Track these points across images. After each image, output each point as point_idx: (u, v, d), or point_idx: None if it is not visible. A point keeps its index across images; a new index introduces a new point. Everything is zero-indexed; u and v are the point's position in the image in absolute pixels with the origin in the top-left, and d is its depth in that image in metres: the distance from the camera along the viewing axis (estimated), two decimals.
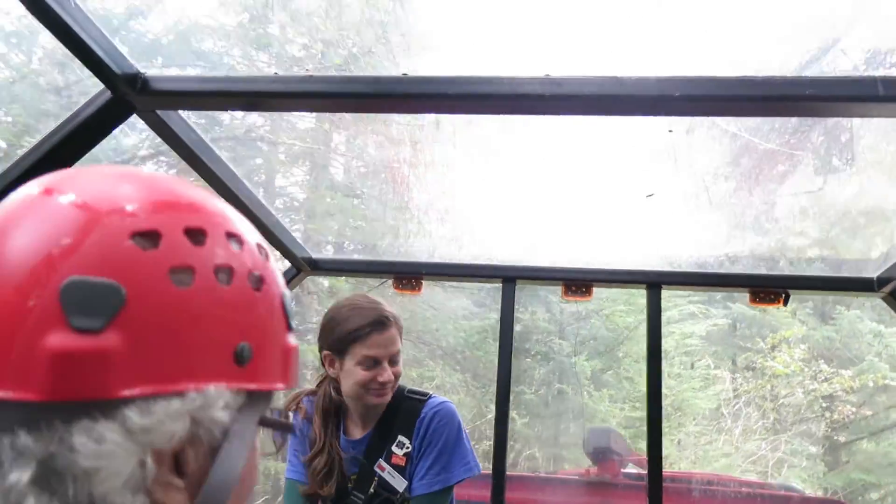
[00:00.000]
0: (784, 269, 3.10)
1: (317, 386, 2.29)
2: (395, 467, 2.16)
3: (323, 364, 2.17)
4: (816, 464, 11.69)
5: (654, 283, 3.06)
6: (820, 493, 9.47)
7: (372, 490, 2.16)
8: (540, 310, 11.22)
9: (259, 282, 0.69)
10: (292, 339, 0.74)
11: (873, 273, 2.98)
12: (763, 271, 3.07)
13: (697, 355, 12.34)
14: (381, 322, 2.09)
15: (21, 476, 0.56)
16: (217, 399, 0.63)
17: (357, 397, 2.13)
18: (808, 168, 3.77)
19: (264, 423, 0.71)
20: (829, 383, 11.61)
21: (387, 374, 2.09)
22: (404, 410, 2.22)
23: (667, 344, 9.63)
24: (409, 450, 2.18)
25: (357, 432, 2.24)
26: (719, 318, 12.47)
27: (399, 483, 2.16)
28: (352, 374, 2.09)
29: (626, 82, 1.57)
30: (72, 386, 0.56)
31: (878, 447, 11.37)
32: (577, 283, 3.07)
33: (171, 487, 0.62)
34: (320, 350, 2.17)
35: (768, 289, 3.01)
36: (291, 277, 3.05)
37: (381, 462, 2.18)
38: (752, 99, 1.57)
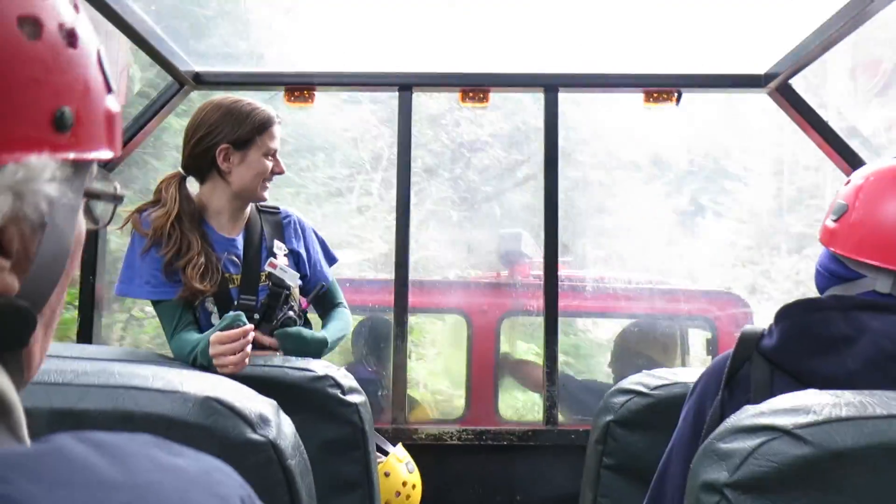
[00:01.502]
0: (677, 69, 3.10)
1: (158, 195, 2.23)
2: (285, 264, 2.28)
3: (217, 158, 2.16)
4: None
5: (550, 86, 3.04)
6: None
7: (264, 288, 2.22)
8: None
9: (72, 36, 0.61)
10: (114, 103, 0.66)
11: (761, 70, 3.04)
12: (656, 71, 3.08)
13: None
14: (276, 117, 2.24)
15: None
16: (41, 170, 0.57)
17: (251, 191, 2.21)
18: None
19: (90, 194, 0.66)
20: None
21: (281, 165, 2.25)
22: (265, 218, 2.36)
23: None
24: (288, 252, 2.34)
25: (231, 229, 2.27)
26: None
27: (292, 277, 2.24)
28: (255, 165, 2.18)
29: None
30: None
31: None
32: (475, 88, 3.03)
33: None
34: (211, 145, 2.16)
35: (661, 88, 3.04)
36: (174, 94, 2.88)
37: (272, 260, 2.25)
38: None
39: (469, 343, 4.02)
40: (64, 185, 0.60)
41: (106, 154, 0.64)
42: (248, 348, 1.88)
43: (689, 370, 1.93)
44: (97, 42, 0.65)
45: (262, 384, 1.91)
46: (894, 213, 1.38)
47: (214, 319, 2.17)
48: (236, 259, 2.24)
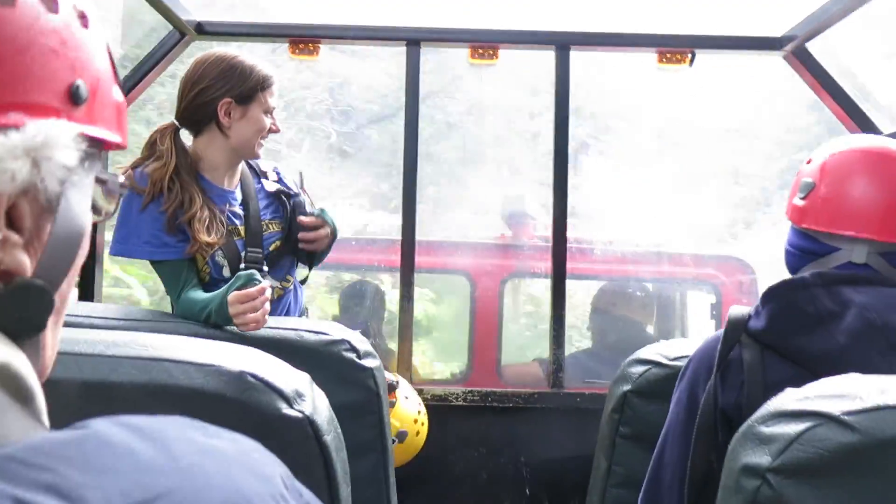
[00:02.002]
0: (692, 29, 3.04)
1: (152, 148, 2.17)
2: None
3: (218, 112, 2.13)
4: None
5: (562, 44, 2.98)
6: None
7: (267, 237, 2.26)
8: None
9: (84, 18, 0.62)
10: (120, 95, 0.68)
11: (778, 32, 2.99)
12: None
13: None
14: (272, 75, 2.22)
15: None
16: (59, 137, 0.56)
17: (248, 147, 2.21)
18: None
19: (98, 179, 0.65)
20: None
21: (277, 124, 2.25)
22: (256, 170, 2.38)
23: None
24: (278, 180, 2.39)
25: (229, 183, 2.27)
26: None
27: (292, 184, 2.37)
28: (256, 121, 2.18)
29: None
30: None
31: None
32: (484, 45, 2.96)
33: (9, 243, 0.55)
34: (212, 98, 2.13)
35: (674, 49, 2.99)
36: (174, 43, 2.80)
37: (265, 181, 2.35)
38: None
39: (472, 304, 4.01)
40: (78, 161, 0.59)
41: (115, 138, 0.65)
42: (267, 305, 1.87)
43: None
44: (105, 33, 0.66)
45: (278, 347, 1.89)
46: (863, 184, 1.43)
47: (226, 272, 2.14)
48: (238, 211, 2.24)
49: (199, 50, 3.03)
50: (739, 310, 1.51)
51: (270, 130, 2.21)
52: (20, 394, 0.55)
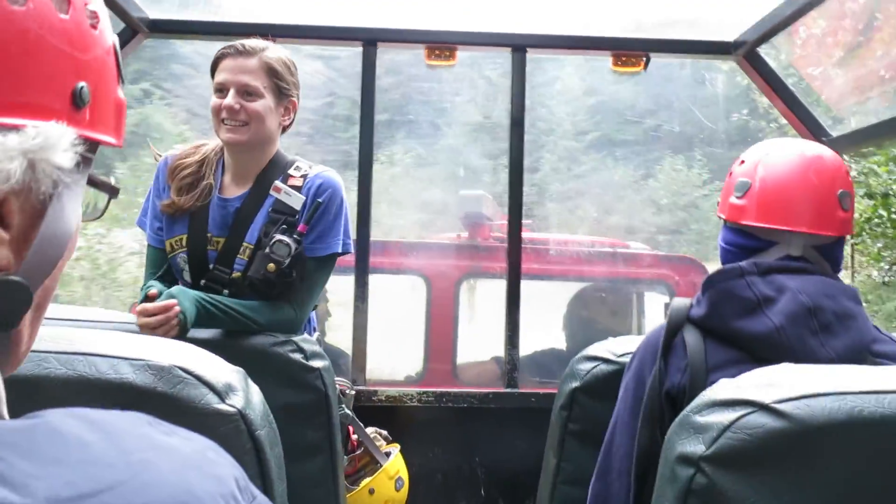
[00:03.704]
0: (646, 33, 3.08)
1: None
2: (293, 187, 2.08)
3: None
4: None
5: (518, 45, 2.99)
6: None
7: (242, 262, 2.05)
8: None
9: (95, 18, 0.62)
10: (122, 94, 0.67)
11: (730, 37, 3.03)
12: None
13: None
14: (236, 48, 2.01)
15: None
16: (59, 140, 0.56)
17: (217, 134, 2.07)
18: None
19: (92, 181, 0.65)
20: None
21: (232, 100, 1.99)
22: (286, 169, 2.13)
23: None
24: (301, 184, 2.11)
25: (233, 190, 2.13)
26: None
27: (297, 201, 2.05)
28: (211, 104, 2.05)
29: None
30: None
31: None
32: (441, 46, 2.96)
33: None
34: None
35: (629, 52, 3.01)
36: (127, 41, 2.76)
37: (277, 184, 2.07)
38: None
39: (428, 305, 4.00)
40: (74, 164, 0.59)
41: (112, 140, 0.64)
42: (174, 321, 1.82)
43: None
44: (113, 33, 0.66)
45: (222, 348, 1.86)
46: (797, 180, 1.52)
47: (186, 276, 2.11)
48: (226, 221, 2.09)
49: (151, 48, 2.99)
50: (681, 300, 1.59)
51: (223, 109, 2.00)
52: None
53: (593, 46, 3.06)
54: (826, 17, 2.89)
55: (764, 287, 1.44)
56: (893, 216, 7.92)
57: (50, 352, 0.97)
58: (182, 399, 0.97)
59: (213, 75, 2.07)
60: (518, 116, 2.99)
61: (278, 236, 1.98)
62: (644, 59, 3.03)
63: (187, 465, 0.52)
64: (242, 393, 1.02)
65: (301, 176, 2.10)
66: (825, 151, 1.59)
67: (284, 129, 2.16)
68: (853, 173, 8.24)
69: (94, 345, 0.99)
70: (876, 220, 8.00)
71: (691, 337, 1.50)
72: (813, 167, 1.53)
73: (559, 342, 4.07)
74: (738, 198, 1.58)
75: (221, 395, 0.98)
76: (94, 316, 1.98)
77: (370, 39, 2.93)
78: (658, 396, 1.49)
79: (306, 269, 2.06)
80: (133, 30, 2.75)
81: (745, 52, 2.96)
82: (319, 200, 2.05)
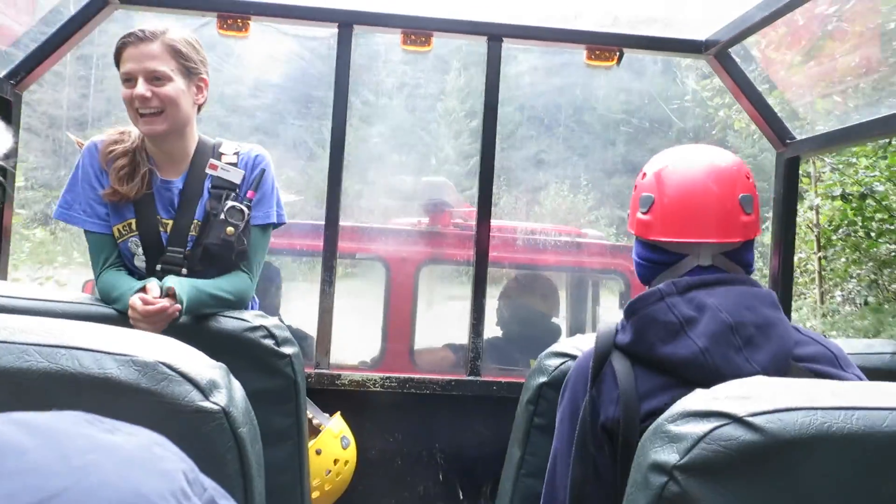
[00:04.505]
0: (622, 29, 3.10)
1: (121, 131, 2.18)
2: (229, 164, 2.13)
3: None
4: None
5: (494, 35, 2.98)
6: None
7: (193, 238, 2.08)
8: None
9: None
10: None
11: (703, 36, 3.07)
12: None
13: None
14: (136, 35, 1.99)
15: None
16: None
17: (136, 126, 2.06)
18: None
19: None
20: None
21: (143, 88, 1.98)
22: (216, 148, 2.18)
23: None
24: (237, 158, 2.16)
25: (170, 173, 2.14)
26: None
27: (236, 175, 2.12)
28: (123, 95, 2.03)
29: None
30: None
31: None
32: (417, 31, 2.94)
33: None
34: None
35: (603, 46, 3.03)
36: (97, 11, 2.69)
37: (212, 161, 2.11)
38: None
39: (387, 290, 4.01)
40: None
41: None
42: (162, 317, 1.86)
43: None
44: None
45: (194, 332, 1.85)
46: (698, 191, 1.53)
47: (138, 262, 2.09)
48: (172, 203, 2.11)
49: (119, 20, 2.92)
50: (606, 325, 1.58)
51: (135, 99, 1.98)
52: None
53: (568, 39, 3.07)
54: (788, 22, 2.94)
55: (684, 307, 1.44)
56: (871, 223, 6.97)
57: (31, 344, 0.95)
58: (166, 396, 0.96)
59: (117, 66, 2.04)
60: (492, 103, 2.99)
61: (230, 203, 2.06)
62: (617, 53, 3.05)
63: (133, 463, 0.51)
64: (226, 390, 1.02)
65: (234, 153, 2.16)
66: (723, 157, 1.59)
67: (199, 108, 2.17)
68: (826, 169, 7.56)
69: (78, 338, 0.98)
70: (847, 226, 7.19)
71: (620, 365, 1.49)
72: (712, 175, 1.54)
73: (504, 330, 4.15)
74: (643, 213, 1.59)
75: (205, 392, 0.98)
76: (48, 295, 1.94)
77: (346, 21, 2.90)
78: (591, 430, 1.48)
79: (251, 237, 2.12)
80: (103, 0, 2.68)
81: (716, 52, 3.00)
82: (263, 168, 2.14)
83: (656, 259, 1.59)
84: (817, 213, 7.66)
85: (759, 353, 1.39)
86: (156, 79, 1.99)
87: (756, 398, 1.02)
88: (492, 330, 4.01)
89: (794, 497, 0.97)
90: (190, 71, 2.05)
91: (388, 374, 2.88)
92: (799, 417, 0.99)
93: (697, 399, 1.07)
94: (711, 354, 1.38)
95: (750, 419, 0.99)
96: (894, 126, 2.36)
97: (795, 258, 3.43)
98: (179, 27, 2.10)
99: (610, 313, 4.69)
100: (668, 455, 1.02)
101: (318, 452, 2.30)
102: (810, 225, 7.87)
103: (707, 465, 0.99)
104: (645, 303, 1.48)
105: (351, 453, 2.43)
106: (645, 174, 1.63)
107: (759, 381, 1.10)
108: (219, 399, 0.99)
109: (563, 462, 1.56)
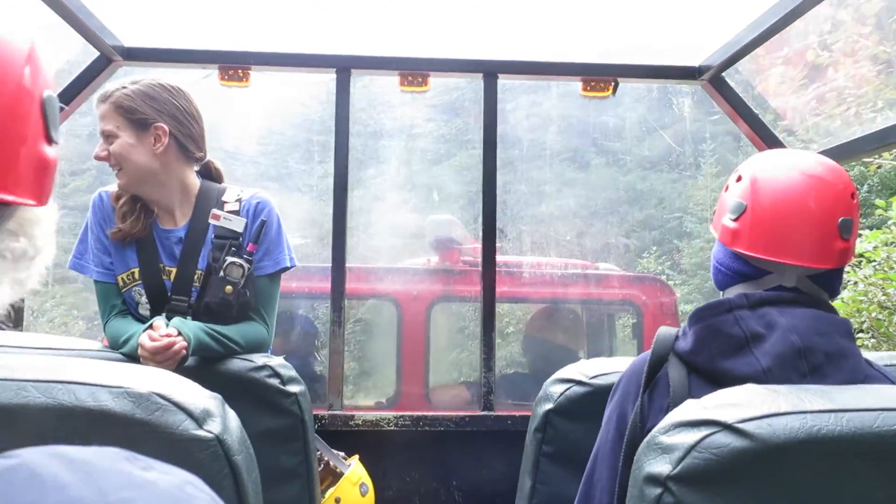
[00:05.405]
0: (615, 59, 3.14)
1: None
2: (230, 212, 2.13)
3: None
4: None
5: (490, 71, 3.04)
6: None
7: (198, 281, 2.09)
8: None
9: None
10: (52, 152, 0.65)
11: (696, 62, 3.11)
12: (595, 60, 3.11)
13: None
14: (99, 97, 2.06)
15: None
16: None
17: None
18: None
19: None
20: None
21: (98, 148, 2.05)
22: (220, 196, 2.18)
23: None
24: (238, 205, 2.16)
25: (168, 223, 2.16)
26: None
27: (238, 224, 2.12)
28: None
29: None
30: None
31: None
32: (414, 72, 3.00)
33: None
34: None
35: (598, 77, 3.08)
36: (101, 69, 2.77)
37: (215, 212, 2.12)
38: None
39: (399, 329, 4.03)
40: None
41: (29, 202, 0.63)
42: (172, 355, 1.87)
43: (628, 359, 1.97)
44: (46, 86, 0.64)
45: (200, 374, 1.87)
46: (796, 208, 1.41)
47: (142, 310, 2.12)
48: (174, 251, 2.14)
49: (127, 75, 3.00)
50: (667, 330, 1.50)
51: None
52: None
53: (563, 72, 3.12)
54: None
55: (753, 322, 1.36)
56: None
57: (29, 380, 0.98)
58: (160, 425, 0.98)
59: None
60: (490, 139, 3.04)
61: (230, 259, 2.05)
62: (612, 83, 3.09)
63: (166, 500, 0.52)
64: (220, 419, 1.03)
65: (236, 200, 2.16)
66: (828, 170, 1.44)
67: (193, 157, 2.15)
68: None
69: (73, 373, 1.00)
70: None
71: (675, 372, 1.42)
72: (813, 192, 1.41)
73: (524, 365, 4.14)
74: (732, 220, 1.48)
75: (199, 420, 1.00)
76: (71, 345, 1.98)
77: (344, 66, 2.97)
78: (639, 435, 1.40)
79: (260, 287, 2.14)
80: (108, 58, 2.76)
81: (711, 77, 3.04)
82: (263, 219, 2.13)
83: (737, 269, 1.49)
84: None
85: (825, 383, 1.29)
86: (107, 137, 2.04)
87: (746, 405, 1.03)
88: (520, 364, 4.02)
89: (788, 501, 0.97)
90: (140, 123, 2.04)
91: (401, 413, 2.87)
92: (788, 422, 0.99)
93: (688, 409, 1.07)
94: (774, 376, 1.30)
95: (740, 426, 0.99)
96: (892, 138, 2.37)
97: None
98: (143, 78, 2.10)
99: (625, 344, 4.67)
100: (662, 466, 1.02)
101: (338, 501, 2.28)
102: None
103: (700, 474, 0.99)
104: (712, 312, 1.41)
105: (370, 500, 2.41)
106: (740, 177, 1.50)
107: (749, 388, 1.10)
108: (213, 427, 1.01)
109: (602, 464, 1.50)
